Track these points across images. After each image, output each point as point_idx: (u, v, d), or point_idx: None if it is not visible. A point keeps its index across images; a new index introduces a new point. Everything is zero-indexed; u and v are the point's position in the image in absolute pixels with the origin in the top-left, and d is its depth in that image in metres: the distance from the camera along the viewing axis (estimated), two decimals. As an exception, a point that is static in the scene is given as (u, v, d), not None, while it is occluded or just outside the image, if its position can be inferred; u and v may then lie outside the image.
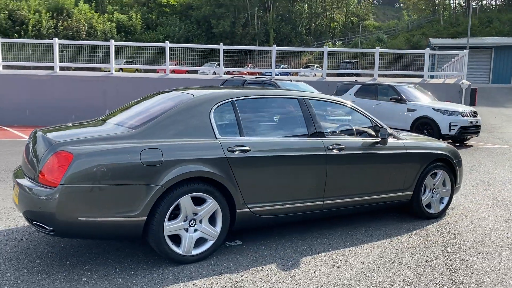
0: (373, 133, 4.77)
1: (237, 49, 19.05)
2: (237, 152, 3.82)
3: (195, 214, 3.69)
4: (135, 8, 49.55)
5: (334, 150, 4.33)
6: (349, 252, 4.10)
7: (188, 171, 3.56)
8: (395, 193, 4.85)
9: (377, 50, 17.31)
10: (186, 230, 3.67)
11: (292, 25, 51.63)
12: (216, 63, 24.09)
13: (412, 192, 4.98)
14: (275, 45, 18.20)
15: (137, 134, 3.58)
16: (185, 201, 3.60)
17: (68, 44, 20.36)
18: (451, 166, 5.29)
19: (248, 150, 3.87)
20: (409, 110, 12.64)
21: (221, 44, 17.02)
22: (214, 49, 18.07)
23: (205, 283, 3.35)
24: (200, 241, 3.75)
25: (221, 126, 3.91)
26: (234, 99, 4.06)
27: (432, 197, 5.21)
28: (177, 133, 3.69)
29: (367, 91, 14.11)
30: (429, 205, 5.21)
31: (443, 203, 5.32)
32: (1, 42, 15.97)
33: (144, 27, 47.41)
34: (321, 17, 56.18)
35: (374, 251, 4.14)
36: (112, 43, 16.25)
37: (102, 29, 43.66)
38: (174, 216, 3.61)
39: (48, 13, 42.70)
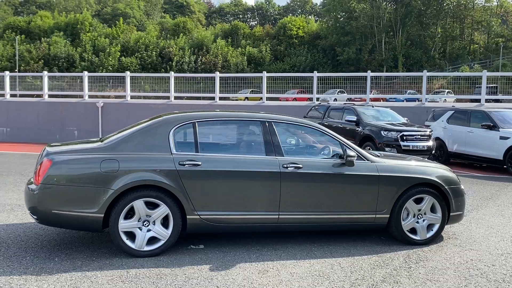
0: (351, 153, 4.87)
1: (329, 76, 19.47)
2: (187, 165, 4.47)
3: (149, 216, 4.42)
4: (266, 41, 52.91)
5: (290, 169, 4.67)
6: (290, 263, 4.37)
7: (139, 179, 4.33)
8: (364, 215, 4.91)
9: (484, 74, 16.05)
10: (140, 229, 4.41)
11: (424, 49, 49.35)
12: (338, 90, 24.55)
13: (388, 215, 4.97)
14: (369, 71, 18.06)
15: (105, 148, 4.50)
16: (139, 204, 4.36)
17: (183, 77, 22.92)
18: (441, 193, 5.11)
19: (198, 165, 4.49)
20: (501, 138, 11.53)
21: (315, 72, 17.59)
22: (308, 77, 18.67)
23: (137, 272, 4.03)
24: (153, 240, 4.45)
25: (179, 143, 4.61)
26: (196, 120, 4.74)
27: (417, 222, 5.08)
28: (138, 148, 4.50)
29: (460, 117, 13.23)
30: (414, 231, 5.09)
31: (432, 230, 5.13)
32: (130, 77, 18.96)
33: (273, 58, 50.22)
34: (458, 39, 52.52)
35: (315, 265, 4.34)
36: (217, 75, 18.05)
37: (235, 62, 47.57)
38: (130, 216, 4.39)
39: (190, 50, 48.20)
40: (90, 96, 19.44)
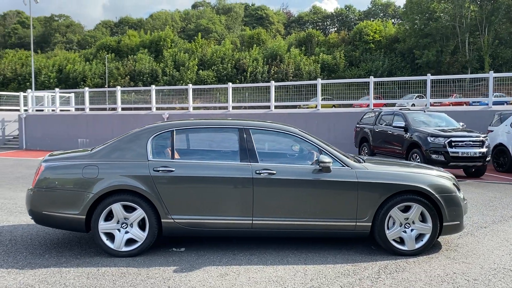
0: (324, 159, 4.80)
1: (386, 81, 18.75)
2: (161, 171, 4.71)
3: (127, 219, 4.72)
4: (340, 47, 52.16)
5: (263, 174, 4.72)
6: (255, 268, 4.40)
7: (116, 184, 4.66)
8: (343, 222, 4.78)
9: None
10: (119, 230, 4.73)
11: (515, 48, 45.34)
12: (416, 94, 23.56)
13: (370, 223, 4.78)
14: (429, 74, 17.09)
15: (90, 155, 4.90)
16: (116, 208, 4.68)
17: (241, 87, 23.34)
18: (431, 201, 4.80)
19: (172, 171, 4.72)
20: None
21: (371, 77, 17.06)
22: (364, 82, 18.16)
23: (105, 270, 4.33)
24: (131, 241, 4.74)
25: (156, 151, 4.87)
26: (174, 128, 4.98)
27: (405, 232, 4.83)
28: (119, 155, 4.83)
29: (526, 120, 12.07)
30: (402, 241, 4.84)
31: (422, 240, 4.84)
32: (192, 89, 19.90)
33: (347, 65, 49.32)
34: (558, 35, 47.51)
35: (279, 271, 4.32)
36: (272, 84, 18.27)
37: (307, 70, 47.52)
38: (110, 218, 4.73)
39: (263, 60, 49.09)
40: (157, 108, 20.69)
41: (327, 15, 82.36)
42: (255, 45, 53.18)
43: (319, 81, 17.62)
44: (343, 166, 4.86)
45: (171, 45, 56.36)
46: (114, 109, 21.44)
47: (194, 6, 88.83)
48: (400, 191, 4.77)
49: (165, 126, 5.04)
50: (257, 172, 4.73)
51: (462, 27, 46.37)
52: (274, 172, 4.74)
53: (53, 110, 22.80)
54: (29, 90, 23.54)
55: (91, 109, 21.64)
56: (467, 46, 46.38)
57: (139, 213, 4.70)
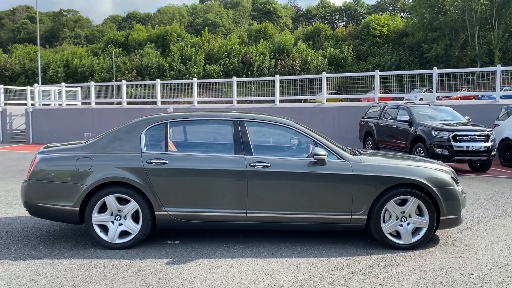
0: (319, 152, 4.74)
1: (394, 75, 18.53)
2: (154, 163, 4.68)
3: (120, 211, 4.70)
4: (348, 41, 51.77)
5: (257, 167, 4.67)
6: (248, 261, 4.37)
7: (109, 176, 4.64)
8: (338, 215, 4.72)
9: None
10: (113, 222, 4.71)
11: (526, 42, 44.68)
12: (425, 89, 23.35)
13: (365, 217, 4.72)
14: (435, 68, 16.87)
15: (83, 147, 4.89)
16: (110, 200, 4.66)
17: (247, 81, 23.24)
18: (428, 194, 4.73)
19: (165, 163, 4.69)
20: None
21: (377, 71, 16.89)
22: (370, 76, 17.98)
23: (98, 262, 4.32)
24: (124, 233, 4.73)
25: (150, 143, 4.84)
26: (168, 121, 4.95)
27: (401, 226, 4.76)
28: (112, 147, 4.81)
29: (531, 114, 11.88)
30: (398, 235, 4.78)
31: (419, 234, 4.77)
32: (197, 83, 19.86)
33: (355, 59, 48.95)
34: None
35: (271, 264, 4.29)
36: (277, 78, 18.17)
37: (315, 64, 47.23)
38: (104, 210, 4.71)
39: (270, 54, 48.86)
40: (162, 102, 20.70)
41: (335, 9, 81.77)
42: (262, 39, 52.97)
43: (324, 75, 17.50)
44: (339, 158, 4.80)
45: (178, 40, 56.34)
46: (120, 103, 21.49)
47: (202, 1, 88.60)
48: (396, 184, 4.71)
49: (159, 118, 5.01)
50: (251, 164, 4.68)
51: (471, 20, 45.77)
52: (269, 164, 4.69)
53: (59, 104, 22.93)
54: (36, 85, 23.67)
55: (97, 103, 21.72)
56: (477, 39, 45.77)
57: (133, 206, 4.68)
